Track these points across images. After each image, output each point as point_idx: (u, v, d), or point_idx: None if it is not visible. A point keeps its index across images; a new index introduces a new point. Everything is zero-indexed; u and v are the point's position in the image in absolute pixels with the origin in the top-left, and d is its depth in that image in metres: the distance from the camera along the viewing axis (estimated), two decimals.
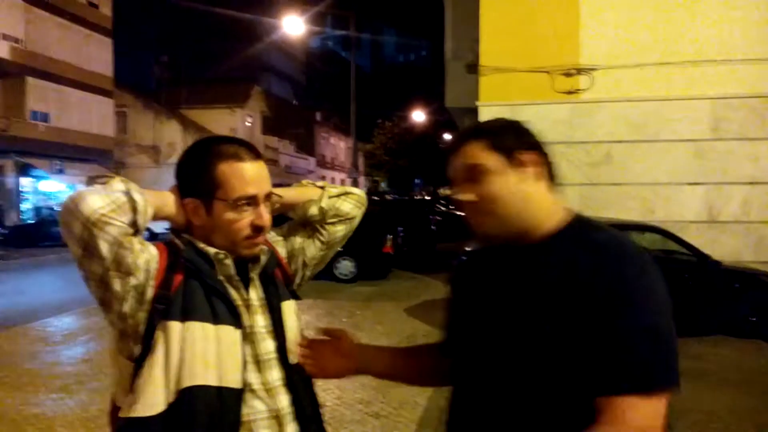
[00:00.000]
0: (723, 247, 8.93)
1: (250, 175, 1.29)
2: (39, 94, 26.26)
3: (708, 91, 9.49)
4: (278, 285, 1.41)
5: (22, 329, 7.87)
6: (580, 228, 1.18)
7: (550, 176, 1.23)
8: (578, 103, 9.93)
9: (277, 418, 1.28)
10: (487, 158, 1.20)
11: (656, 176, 9.70)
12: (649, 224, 8.29)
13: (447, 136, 38.97)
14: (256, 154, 1.33)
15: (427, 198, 30.67)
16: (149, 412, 1.16)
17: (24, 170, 26.10)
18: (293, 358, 1.35)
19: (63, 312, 8.91)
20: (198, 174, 1.29)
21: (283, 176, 41.64)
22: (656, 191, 9.71)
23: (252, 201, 1.29)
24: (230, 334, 1.24)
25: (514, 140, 1.22)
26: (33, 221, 23.10)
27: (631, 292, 1.05)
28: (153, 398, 1.16)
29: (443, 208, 22.26)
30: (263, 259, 1.35)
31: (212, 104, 37.15)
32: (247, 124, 39.79)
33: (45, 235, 21.10)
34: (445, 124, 33.15)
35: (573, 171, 9.95)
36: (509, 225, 1.18)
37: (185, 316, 1.21)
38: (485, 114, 10.23)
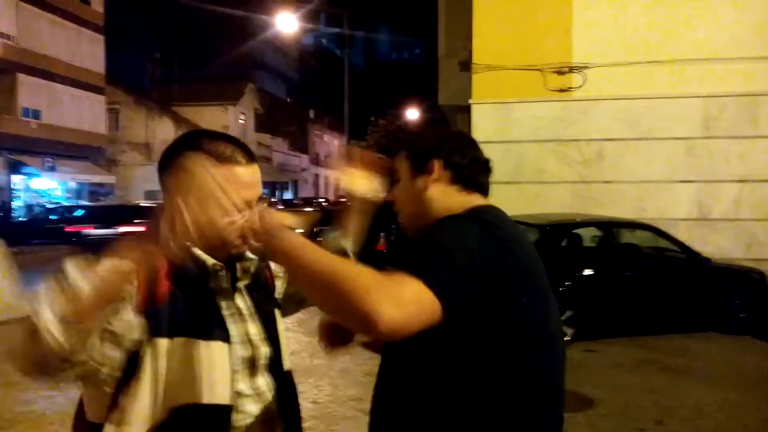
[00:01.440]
0: (713, 245, 9.00)
1: (246, 180, 1.28)
2: (30, 91, 26.09)
3: (699, 90, 9.54)
4: (269, 292, 1.42)
5: (13, 327, 7.83)
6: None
7: (464, 180, 1.41)
8: (570, 101, 9.96)
9: (268, 422, 1.29)
10: (400, 165, 1.45)
11: (648, 174, 9.75)
12: (640, 222, 8.34)
13: None
14: (251, 156, 1.31)
15: None
16: (137, 431, 1.15)
17: (15, 167, 25.93)
18: (287, 363, 1.37)
19: None
20: (193, 176, 1.25)
21: (276, 174, 41.59)
22: (647, 189, 9.76)
23: (244, 204, 1.26)
24: (219, 349, 1.22)
25: (428, 150, 1.41)
26: (24, 219, 22.95)
27: (431, 232, 1.25)
28: (141, 416, 1.15)
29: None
30: (252, 267, 1.34)
31: (205, 101, 37.02)
32: (240, 121, 39.66)
33: (36, 232, 20.97)
34: (438, 122, 33.14)
35: (565, 169, 9.99)
36: (414, 221, 1.41)
37: (173, 332, 1.18)
38: (478, 112, 10.25)
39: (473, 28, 10.26)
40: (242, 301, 1.33)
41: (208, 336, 1.21)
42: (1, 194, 25.19)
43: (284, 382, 1.35)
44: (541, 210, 9.26)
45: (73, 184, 29.44)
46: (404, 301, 1.05)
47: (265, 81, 48.08)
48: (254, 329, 1.32)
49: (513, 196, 9.94)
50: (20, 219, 22.63)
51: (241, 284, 1.33)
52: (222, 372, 1.21)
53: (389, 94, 52.86)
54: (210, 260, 1.26)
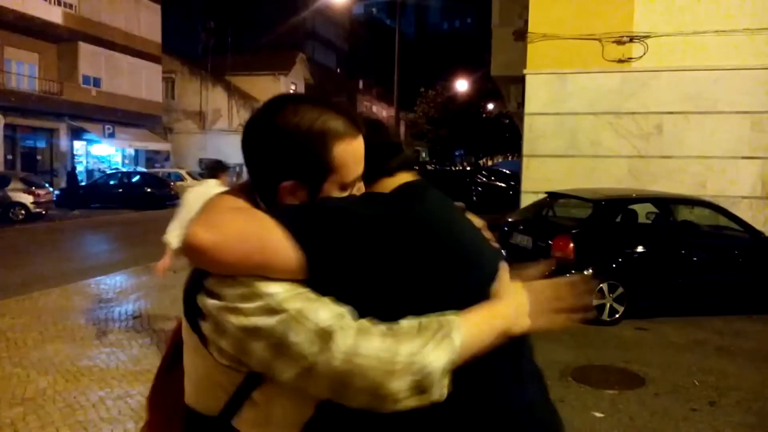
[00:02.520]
0: None
1: (360, 154, 1.11)
2: (91, 60, 26.91)
3: (767, 62, 9.03)
4: None
5: (75, 286, 8.22)
6: None
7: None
8: (630, 72, 9.60)
9: None
10: None
11: (709, 149, 9.36)
12: (700, 198, 8.04)
13: (490, 106, 38.29)
14: (359, 127, 1.12)
15: (468, 169, 30.36)
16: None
17: (77, 134, 26.97)
18: None
19: (114, 271, 9.26)
20: (307, 156, 1.05)
21: None
22: (709, 165, 9.38)
23: (357, 179, 1.13)
24: None
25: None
26: (85, 183, 23.89)
27: None
28: (290, 415, 1.03)
29: (484, 180, 22.02)
30: None
31: (257, 71, 37.36)
32: (290, 91, 39.93)
33: (96, 197, 21.83)
34: (489, 93, 32.54)
35: (622, 143, 9.69)
36: None
37: None
38: (532, 82, 10.00)
39: None
40: None
41: None
42: (64, 159, 26.29)
43: None
44: (596, 185, 9.05)
45: (131, 151, 30.41)
46: (216, 221, 0.97)
47: (316, 51, 48.14)
48: None
49: (567, 170, 9.76)
50: (82, 183, 23.57)
51: None
52: None
53: (440, 65, 52.15)
54: None
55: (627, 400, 4.52)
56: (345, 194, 1.08)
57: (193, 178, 25.98)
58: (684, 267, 6.93)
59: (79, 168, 26.70)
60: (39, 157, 26.17)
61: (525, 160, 10.22)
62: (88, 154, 28.69)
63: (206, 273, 0.98)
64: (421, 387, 0.93)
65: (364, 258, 0.99)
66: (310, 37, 47.35)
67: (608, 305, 6.58)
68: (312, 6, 40.52)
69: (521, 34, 10.51)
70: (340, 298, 0.96)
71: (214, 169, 5.53)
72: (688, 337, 6.25)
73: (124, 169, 26.79)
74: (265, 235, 0.95)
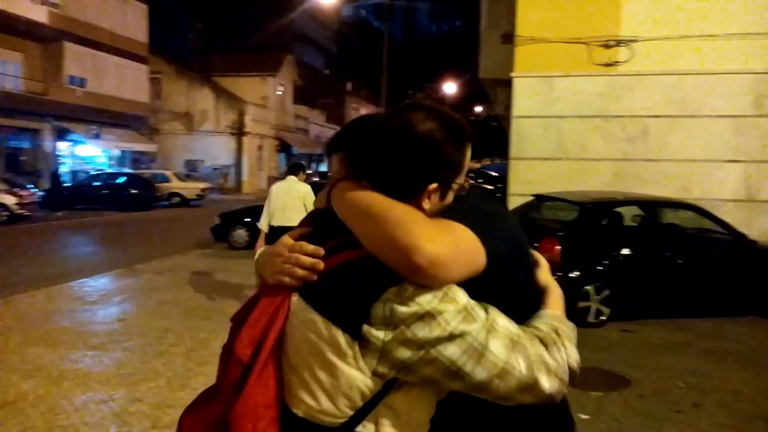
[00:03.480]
0: (760, 227, 8.71)
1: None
2: (76, 59, 26.65)
3: (752, 66, 9.15)
4: None
5: (59, 288, 8.13)
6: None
7: None
8: (616, 76, 9.67)
9: None
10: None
11: (694, 153, 9.45)
12: (684, 201, 8.11)
13: (478, 109, 38.43)
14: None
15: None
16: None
17: (61, 134, 26.68)
18: None
19: (98, 273, 9.17)
20: (450, 159, 1.13)
21: (313, 146, 41.76)
22: (693, 168, 9.47)
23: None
24: None
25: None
26: (70, 184, 23.65)
27: None
28: (422, 417, 1.09)
29: (472, 182, 22.11)
30: None
31: (245, 72, 37.20)
32: (278, 92, 39.81)
33: (81, 198, 21.61)
34: (477, 96, 32.67)
35: (608, 146, 9.76)
36: None
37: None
38: (520, 85, 10.04)
39: None
40: None
41: None
42: (48, 161, 25.99)
43: None
44: (582, 188, 9.10)
45: (116, 152, 30.15)
46: (448, 237, 1.02)
47: (304, 53, 47.98)
48: None
49: (553, 173, 9.80)
50: (66, 185, 23.33)
51: None
52: None
53: (428, 67, 52.23)
54: None
55: (612, 402, 4.54)
56: (452, 194, 1.15)
57: (180, 179, 25.82)
58: (669, 269, 6.99)
59: (64, 169, 26.43)
60: (23, 158, 25.82)
61: (512, 162, 10.25)
62: (73, 155, 28.40)
63: (378, 280, 1.01)
64: (564, 383, 1.08)
65: (514, 259, 1.13)
66: (298, 39, 47.18)
67: (594, 307, 6.61)
68: (300, 7, 40.43)
69: (509, 37, 10.54)
70: (486, 298, 1.06)
71: (295, 167, 7.14)
72: (673, 338, 6.30)
73: (109, 170, 26.56)
74: (473, 245, 1.03)
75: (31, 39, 24.80)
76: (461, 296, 1.01)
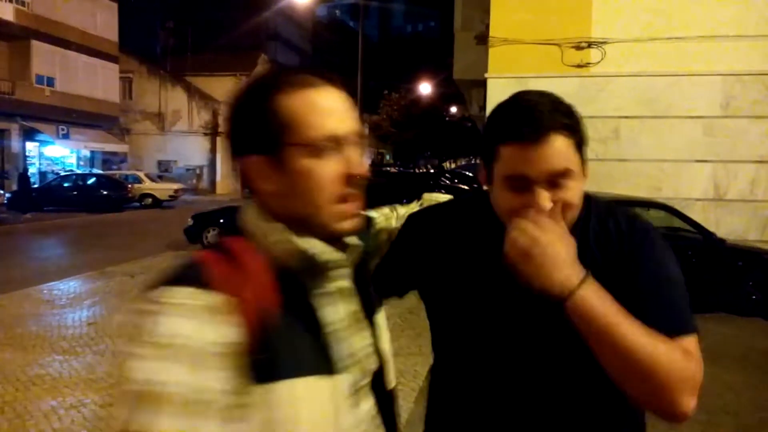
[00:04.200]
0: (728, 226, 8.91)
1: (328, 106, 0.88)
2: (44, 58, 26.10)
3: (720, 68, 9.35)
4: (371, 287, 1.03)
5: (27, 292, 7.94)
6: (597, 210, 1.18)
7: None
8: (588, 77, 9.81)
9: None
10: (570, 156, 1.03)
11: (664, 153, 9.62)
12: (655, 201, 8.26)
13: (453, 109, 38.62)
14: (329, 80, 0.91)
15: (432, 171, 30.55)
16: None
17: (29, 134, 26.09)
18: (391, 381, 1.01)
19: (68, 276, 8.98)
20: (254, 117, 0.87)
21: None
22: (663, 168, 9.65)
23: (337, 142, 0.87)
24: (334, 385, 0.87)
25: (583, 131, 1.09)
26: (38, 185, 23.15)
27: (655, 255, 1.12)
28: None
29: (448, 182, 22.20)
30: (360, 244, 0.95)
31: (218, 72, 36.82)
32: None
33: (50, 199, 21.17)
34: (452, 96, 32.85)
35: None
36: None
37: (293, 371, 0.82)
38: (494, 86, 10.12)
39: (491, 0, 10.08)
40: (355, 304, 0.96)
41: (334, 369, 0.87)
42: (15, 161, 25.40)
43: (390, 406, 1.01)
44: None
45: (86, 152, 29.60)
46: (699, 379, 1.00)
47: (278, 52, 47.71)
48: (362, 341, 0.95)
49: None
50: (34, 186, 22.83)
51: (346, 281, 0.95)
52: (340, 411, 0.87)
53: (403, 68, 52.37)
54: (325, 253, 0.88)
55: None
56: (316, 164, 0.86)
57: (152, 180, 25.42)
58: None
59: (32, 170, 25.86)
60: None
61: None
62: (41, 155, 27.80)
63: None
64: None
65: None
66: (272, 38, 46.91)
67: None
68: (274, 7, 40.20)
69: (482, 38, 10.62)
70: None
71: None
72: None
73: (78, 171, 26.05)
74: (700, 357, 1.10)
75: None
76: None
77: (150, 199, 23.61)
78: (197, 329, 0.75)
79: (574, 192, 1.03)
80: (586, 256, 1.03)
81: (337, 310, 0.90)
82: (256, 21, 40.39)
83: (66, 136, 26.83)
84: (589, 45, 9.75)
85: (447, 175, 24.73)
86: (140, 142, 33.02)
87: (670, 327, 1.00)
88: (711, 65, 9.38)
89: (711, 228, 7.77)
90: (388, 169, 28.06)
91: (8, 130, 25.15)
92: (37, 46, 25.53)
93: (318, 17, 59.05)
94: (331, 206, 0.87)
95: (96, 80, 29.11)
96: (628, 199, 8.05)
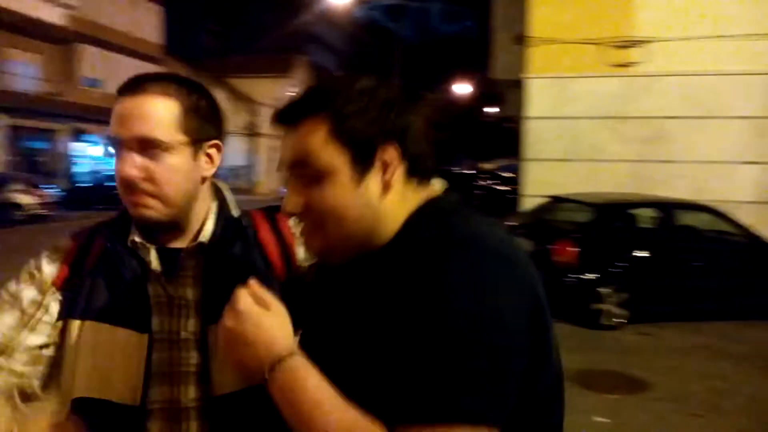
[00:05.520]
0: None
1: (118, 113, 1.05)
2: (91, 61, 26.93)
3: None
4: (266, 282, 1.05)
5: None
6: (419, 223, 0.89)
7: (423, 170, 0.94)
8: (631, 77, 9.62)
9: None
10: (326, 152, 0.86)
11: (711, 154, 9.37)
12: (701, 203, 8.04)
13: (490, 110, 38.31)
14: (136, 88, 1.05)
15: (468, 172, 30.37)
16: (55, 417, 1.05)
17: (77, 135, 26.98)
18: (217, 375, 1.04)
19: None
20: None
21: None
22: (710, 170, 9.39)
23: (116, 145, 1.04)
24: (131, 339, 1.02)
25: (374, 129, 0.87)
26: (86, 185, 23.89)
27: (431, 295, 0.77)
28: (54, 404, 1.06)
29: (485, 183, 22.04)
30: (202, 244, 1.09)
31: (258, 74, 37.40)
32: (291, 93, 39.92)
33: (98, 198, 21.81)
34: (489, 96, 32.58)
35: (623, 147, 9.70)
36: (351, 241, 0.89)
37: (85, 315, 1.04)
38: (532, 86, 10.01)
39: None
40: (191, 290, 1.07)
41: (121, 322, 1.03)
42: (64, 161, 26.29)
43: (217, 402, 1.04)
44: (597, 189, 9.05)
45: None
46: None
47: (317, 54, 48.18)
48: (193, 326, 1.06)
49: (567, 174, 9.76)
50: (82, 185, 23.55)
51: (189, 265, 1.08)
52: (130, 367, 1.02)
53: (440, 68, 52.16)
54: (134, 234, 1.07)
55: (629, 405, 4.52)
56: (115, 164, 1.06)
57: None
58: (685, 272, 6.93)
59: (81, 169, 26.69)
60: (41, 159, 26.13)
61: (524, 164, 10.22)
62: (89, 155, 28.68)
63: None
64: None
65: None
66: (311, 40, 47.38)
67: (610, 309, 6.57)
68: (314, 9, 40.58)
69: (521, 38, 10.51)
70: None
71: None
72: (690, 341, 6.25)
73: None
74: None
75: (48, 41, 25.09)
76: None
77: None
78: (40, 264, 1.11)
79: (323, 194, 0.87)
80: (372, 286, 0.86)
81: (159, 291, 1.06)
82: (295, 23, 40.85)
83: None
84: (633, 44, 9.56)
85: (486, 175, 24.57)
86: None
87: (399, 412, 0.74)
88: (760, 64, 9.08)
89: (760, 232, 7.53)
90: None
91: (58, 131, 26.05)
92: (84, 49, 26.36)
93: (356, 19, 59.30)
94: (122, 197, 1.06)
95: None
96: (671, 201, 7.88)
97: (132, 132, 1.01)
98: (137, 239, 1.07)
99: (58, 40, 25.41)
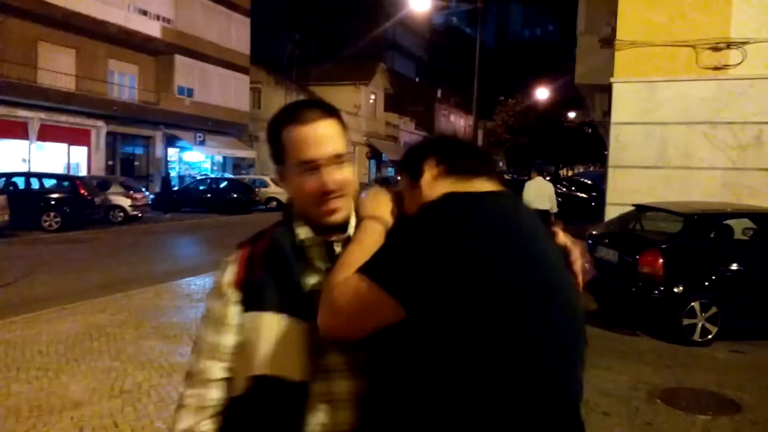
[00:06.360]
0: None
1: (308, 138, 1.24)
2: (185, 71, 28.43)
3: None
4: None
5: (168, 286, 8.69)
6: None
7: (459, 169, 1.29)
8: (726, 80, 9.12)
9: (338, 402, 1.20)
10: (402, 182, 1.36)
11: None
12: None
13: (572, 115, 37.25)
14: (321, 113, 1.27)
15: (547, 178, 29.65)
16: (233, 392, 1.26)
17: (171, 141, 28.56)
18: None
19: (203, 272, 9.72)
20: (271, 140, 1.31)
21: (402, 153, 42.16)
22: None
23: (313, 165, 1.23)
24: (297, 325, 1.21)
25: (417, 154, 1.35)
26: (177, 188, 25.15)
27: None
28: (236, 382, 1.25)
29: (564, 190, 21.44)
30: (351, 231, 1.29)
31: (339, 81, 38.17)
32: (370, 101, 40.49)
33: (187, 201, 22.94)
34: (570, 101, 31.70)
35: (716, 154, 9.21)
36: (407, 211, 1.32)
37: (260, 307, 1.24)
38: (620, 91, 9.70)
39: (618, 1, 9.67)
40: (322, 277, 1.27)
41: (290, 312, 1.22)
42: (158, 165, 27.87)
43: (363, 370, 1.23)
44: (686, 198, 8.64)
45: (219, 158, 31.80)
46: (332, 302, 1.12)
47: (396, 61, 48.63)
48: None
49: (655, 182, 9.38)
50: (174, 188, 24.84)
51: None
52: (293, 348, 1.20)
53: (520, 73, 51.32)
54: (301, 233, 1.27)
55: (721, 427, 4.29)
56: (302, 180, 1.25)
57: (276, 184, 26.74)
58: None
59: (173, 173, 28.14)
60: (136, 163, 27.87)
61: (610, 170, 9.89)
62: (180, 160, 30.25)
63: None
64: None
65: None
66: (390, 47, 47.90)
67: (700, 325, 6.25)
68: (393, 17, 40.97)
69: (608, 41, 10.21)
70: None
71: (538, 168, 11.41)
72: None
73: (212, 176, 28.02)
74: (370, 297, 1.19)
75: (145, 52, 26.74)
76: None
77: (275, 203, 24.90)
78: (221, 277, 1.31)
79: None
80: None
81: (313, 278, 1.25)
82: (375, 31, 41.42)
83: (202, 143, 29.03)
84: (728, 46, 9.07)
85: (564, 182, 23.89)
86: (266, 149, 34.50)
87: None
88: None
89: None
90: (504, 176, 27.53)
91: (153, 137, 27.71)
92: (179, 59, 27.87)
93: (434, 25, 59.34)
94: (312, 208, 1.25)
95: (229, 91, 31.22)
96: (766, 212, 7.40)
97: (328, 151, 1.24)
98: (304, 237, 1.27)
99: (155, 52, 27.01)
